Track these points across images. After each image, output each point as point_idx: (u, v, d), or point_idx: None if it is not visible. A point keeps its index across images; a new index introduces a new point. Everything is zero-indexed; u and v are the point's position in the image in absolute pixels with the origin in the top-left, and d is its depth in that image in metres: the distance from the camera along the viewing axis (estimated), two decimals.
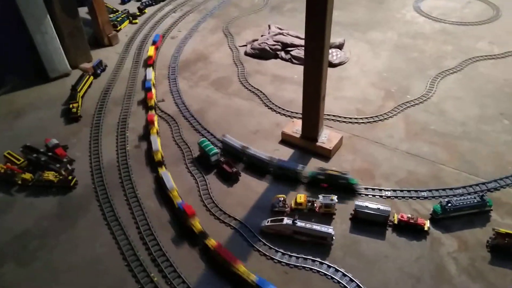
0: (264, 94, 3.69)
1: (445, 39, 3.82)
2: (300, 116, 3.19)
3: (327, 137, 2.87)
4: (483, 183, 2.52)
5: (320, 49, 2.43)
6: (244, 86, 3.82)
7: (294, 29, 4.21)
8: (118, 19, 4.94)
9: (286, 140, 3.04)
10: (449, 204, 2.32)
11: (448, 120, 2.89)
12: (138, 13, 5.04)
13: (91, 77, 3.95)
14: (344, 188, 2.73)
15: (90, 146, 3.46)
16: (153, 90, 4.04)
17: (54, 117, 3.57)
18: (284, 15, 4.54)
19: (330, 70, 3.46)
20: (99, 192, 3.52)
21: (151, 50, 4.36)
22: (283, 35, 4.21)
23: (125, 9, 5.00)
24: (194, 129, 3.35)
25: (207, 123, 3.36)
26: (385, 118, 2.98)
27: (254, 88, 3.82)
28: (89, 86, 3.88)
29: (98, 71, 4.05)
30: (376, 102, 3.19)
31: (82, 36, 4.06)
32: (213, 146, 3.00)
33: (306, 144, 2.93)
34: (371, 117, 3.08)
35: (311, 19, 2.39)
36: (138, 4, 5.19)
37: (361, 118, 3.08)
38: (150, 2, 5.15)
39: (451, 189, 2.54)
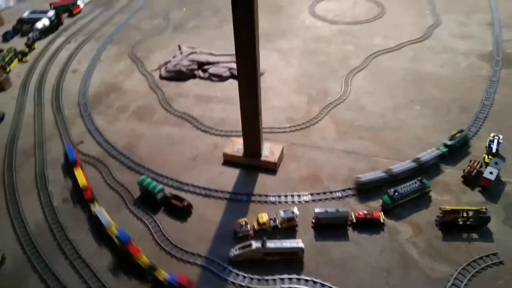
0: (192, 117, 3.57)
1: (345, 40, 4.10)
2: (237, 134, 3.15)
3: (269, 150, 2.88)
4: (415, 168, 2.72)
5: (253, 69, 2.42)
6: (169, 112, 3.65)
7: (204, 46, 4.15)
8: (6, 60, 4.35)
9: (228, 161, 2.99)
10: (396, 193, 2.48)
11: (368, 114, 3.10)
12: (27, 50, 4.49)
13: None
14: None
15: (8, 210, 2.87)
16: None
17: None
18: (189, 33, 4.46)
19: None
20: (34, 262, 2.93)
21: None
22: (197, 53, 4.12)
23: (11, 48, 4.43)
24: (127, 167, 3.10)
25: (140, 158, 3.13)
26: (315, 122, 3.10)
27: (181, 112, 3.67)
28: None
29: None
30: (303, 108, 3.30)
31: None
32: (156, 183, 2.81)
33: (251, 161, 2.91)
34: (302, 123, 3.17)
35: (241, 45, 2.35)
36: (24, 39, 4.63)
37: (293, 126, 3.14)
38: (37, 36, 4.62)
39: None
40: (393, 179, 2.93)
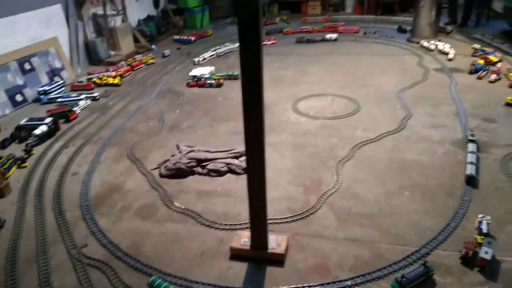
0: (195, 212, 3.67)
1: (329, 133, 4.49)
2: (240, 227, 3.26)
3: (275, 242, 2.98)
4: (416, 251, 2.88)
5: (261, 161, 2.64)
6: (172, 209, 3.75)
7: (199, 144, 4.43)
8: (5, 167, 4.45)
9: (236, 255, 3.04)
10: (404, 279, 2.59)
11: (363, 201, 3.32)
12: (26, 155, 4.63)
13: None
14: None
15: None
16: None
17: None
18: (185, 133, 4.76)
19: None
20: None
21: None
22: (195, 152, 4.39)
23: (9, 154, 4.56)
24: (134, 269, 3.08)
25: (146, 258, 3.14)
26: (315, 211, 3.27)
27: (183, 209, 3.78)
28: None
29: None
30: (300, 198, 3.49)
31: None
32: (167, 283, 2.81)
33: (258, 253, 2.98)
34: (302, 212, 3.33)
35: (251, 145, 2.59)
36: (22, 146, 4.81)
37: (294, 216, 3.30)
38: (36, 141, 4.82)
39: (395, 263, 2.81)
40: None
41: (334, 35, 8.43)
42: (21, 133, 4.84)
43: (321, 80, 6.34)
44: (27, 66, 6.18)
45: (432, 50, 7.44)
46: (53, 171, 4.17)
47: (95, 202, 3.62)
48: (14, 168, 4.19)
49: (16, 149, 4.59)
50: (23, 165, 4.25)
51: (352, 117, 5.01)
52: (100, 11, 7.72)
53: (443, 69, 6.52)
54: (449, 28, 8.55)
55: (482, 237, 2.78)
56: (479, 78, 5.92)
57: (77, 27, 7.30)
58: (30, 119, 5.16)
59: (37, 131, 4.75)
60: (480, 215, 2.98)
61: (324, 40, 8.36)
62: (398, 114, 4.98)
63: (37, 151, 4.58)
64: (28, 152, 4.44)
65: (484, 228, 2.85)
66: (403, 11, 10.70)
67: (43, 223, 3.37)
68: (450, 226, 3.07)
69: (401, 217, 3.20)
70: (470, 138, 4.17)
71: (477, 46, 7.16)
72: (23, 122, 5.11)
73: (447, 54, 7.06)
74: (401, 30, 8.83)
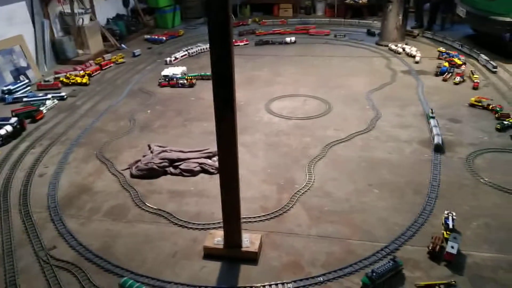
0: (168, 213, 3.63)
1: (302, 132, 4.54)
2: (214, 227, 3.26)
3: (248, 240, 2.99)
4: (386, 247, 2.96)
5: (234, 164, 2.66)
6: (144, 209, 3.69)
7: (171, 144, 4.39)
8: None
9: (209, 254, 3.03)
10: (374, 274, 2.66)
11: (335, 199, 3.38)
12: None
13: None
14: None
15: None
16: None
17: None
18: (157, 132, 4.70)
19: None
20: None
21: None
22: (167, 152, 4.34)
23: None
24: (104, 270, 3.01)
25: (117, 259, 3.07)
26: (288, 210, 3.31)
27: (155, 209, 3.72)
28: None
29: None
30: (274, 197, 3.52)
31: None
32: (139, 283, 2.76)
33: (232, 252, 2.98)
34: (276, 211, 3.36)
35: (223, 142, 2.60)
36: None
37: (268, 215, 3.33)
38: (0, 142, 4.64)
39: (365, 259, 2.88)
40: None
41: (293, 38, 8.58)
42: None
43: (294, 81, 6.42)
44: None
45: (399, 53, 7.67)
46: (19, 172, 4.02)
47: (63, 203, 3.52)
48: None
49: None
50: None
51: (324, 117, 5.09)
52: (67, 9, 7.50)
53: (410, 71, 6.74)
54: (416, 31, 8.82)
55: (448, 232, 2.89)
56: (445, 80, 6.16)
57: (43, 25, 7.08)
58: None
59: (2, 131, 4.58)
60: (446, 211, 3.10)
61: (283, 43, 8.44)
62: (368, 115, 5.10)
63: (2, 151, 4.40)
64: None
65: (450, 223, 2.97)
66: (372, 14, 10.98)
67: (9, 225, 3.25)
68: (417, 222, 3.17)
69: (371, 214, 3.28)
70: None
71: (442, 49, 7.43)
72: None
73: (414, 57, 7.30)
74: (370, 33, 9.06)
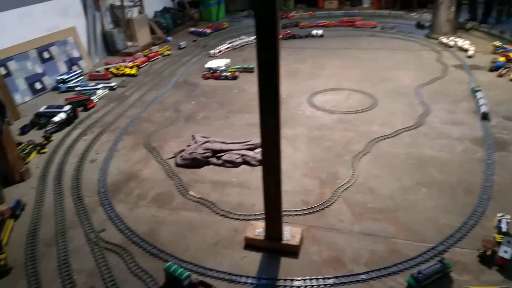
0: (210, 202, 3.69)
1: (345, 127, 4.43)
2: (255, 218, 3.27)
3: (289, 233, 2.98)
4: (433, 248, 2.84)
5: (276, 154, 2.64)
6: (187, 198, 3.77)
7: (214, 135, 4.44)
8: (25, 152, 4.53)
9: (250, 245, 3.05)
10: (420, 274, 2.56)
11: (379, 196, 3.28)
12: (45, 142, 4.70)
13: (12, 221, 3.39)
14: None
15: None
16: None
17: None
18: (200, 124, 4.76)
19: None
20: None
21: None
22: (210, 142, 4.40)
23: (29, 140, 4.63)
24: (150, 254, 3.12)
25: (162, 245, 3.17)
26: (330, 205, 3.25)
27: (198, 198, 3.80)
28: (10, 231, 3.27)
29: (18, 212, 3.52)
30: (315, 191, 3.47)
31: None
32: (183, 269, 2.84)
33: (272, 244, 2.98)
34: (316, 205, 3.31)
35: (266, 137, 2.58)
36: (41, 132, 4.87)
37: (309, 209, 3.29)
38: (55, 128, 4.88)
39: (411, 259, 2.78)
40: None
41: (320, 31, 8.61)
42: (40, 120, 4.92)
43: (338, 74, 6.30)
44: (46, 55, 6.26)
45: (451, 47, 7.32)
46: (72, 158, 4.23)
47: (112, 188, 3.67)
48: (33, 154, 4.27)
49: (36, 136, 4.67)
50: (43, 151, 4.32)
51: (369, 112, 4.95)
52: (117, 2, 7.76)
53: (462, 65, 6.42)
54: (469, 24, 8.36)
55: (502, 236, 2.74)
56: (500, 75, 5.80)
57: (94, 18, 7.36)
58: (49, 107, 5.23)
59: (56, 118, 4.82)
60: (499, 214, 2.93)
61: (309, 35, 8.56)
62: (416, 110, 4.91)
63: (56, 138, 4.65)
64: (47, 138, 4.51)
65: (504, 227, 2.81)
66: (422, 6, 10.53)
67: (62, 208, 3.43)
68: (468, 224, 3.03)
69: (418, 213, 3.17)
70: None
71: (498, 43, 7.00)
72: (42, 109, 5.18)
73: (466, 51, 6.94)
74: (419, 26, 8.70)
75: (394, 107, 4.98)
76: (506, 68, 5.92)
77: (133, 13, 7.84)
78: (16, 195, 3.38)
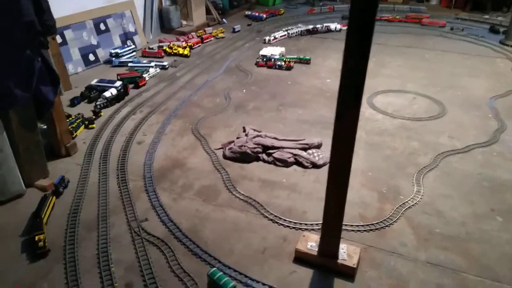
0: (258, 203, 3.42)
1: (408, 135, 3.99)
2: (305, 227, 2.96)
3: (346, 252, 2.65)
4: None
5: (347, 164, 2.31)
6: (234, 194, 3.51)
7: (264, 128, 4.13)
8: (73, 125, 4.44)
9: (301, 258, 2.76)
10: None
11: (448, 221, 2.86)
12: (94, 117, 4.59)
13: (54, 198, 3.28)
14: None
15: None
16: None
17: (12, 255, 2.75)
18: (250, 115, 4.47)
19: (316, 172, 3.38)
20: None
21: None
22: (262, 137, 4.11)
23: (79, 114, 4.52)
24: (192, 254, 2.90)
25: (205, 244, 2.94)
26: (391, 224, 2.88)
27: (246, 196, 3.54)
28: (51, 209, 3.17)
29: (61, 189, 3.41)
30: (374, 205, 3.10)
31: (40, 151, 3.43)
32: (228, 278, 2.60)
33: (326, 262, 2.66)
34: (376, 223, 2.94)
35: (339, 147, 2.26)
36: (90, 106, 4.76)
37: (367, 225, 2.93)
38: (105, 103, 4.75)
39: None
40: None
41: (338, 26, 7.80)
42: (91, 93, 4.82)
43: (402, 75, 5.81)
44: (102, 27, 6.17)
45: None
46: (119, 137, 4.09)
47: (157, 175, 3.49)
48: (81, 128, 4.16)
49: (85, 109, 4.57)
50: (91, 126, 4.21)
51: (436, 121, 4.48)
52: None
53: None
54: None
55: None
56: None
57: None
58: (101, 81, 5.13)
59: (107, 94, 4.70)
60: None
61: (329, 30, 7.99)
62: (490, 125, 4.39)
63: (105, 113, 4.53)
64: (97, 114, 4.39)
65: None
66: (496, 9, 9.63)
67: (106, 190, 3.29)
68: None
69: (492, 246, 2.75)
70: None
71: None
72: (93, 82, 5.09)
73: None
74: (493, 31, 7.93)
75: (465, 118, 4.48)
76: None
77: None
78: (60, 171, 3.25)
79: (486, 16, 9.11)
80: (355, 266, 2.54)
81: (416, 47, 7.16)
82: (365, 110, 4.84)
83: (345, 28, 8.68)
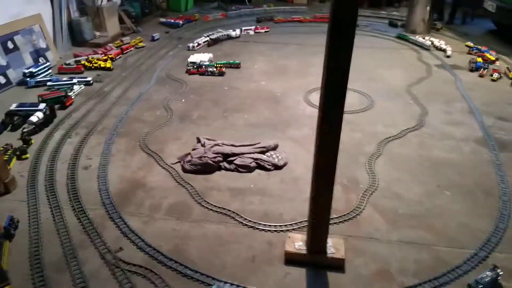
0: (234, 212, 3.42)
1: (351, 127, 4.33)
2: (286, 229, 3.07)
3: (332, 246, 2.81)
4: (475, 254, 2.80)
5: (332, 164, 2.46)
6: (207, 208, 3.45)
7: (216, 137, 4.15)
8: (5, 158, 3.94)
9: (291, 260, 2.84)
10: (480, 285, 2.49)
11: (407, 201, 3.20)
12: (25, 146, 4.13)
13: (7, 242, 2.84)
14: None
15: None
16: None
17: None
18: (198, 124, 4.43)
19: (279, 173, 3.54)
20: None
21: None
22: (219, 145, 4.11)
23: (7, 144, 4.04)
24: (183, 276, 2.79)
25: (194, 264, 2.85)
26: (360, 212, 3.12)
27: (219, 207, 3.50)
28: (8, 255, 2.72)
29: (12, 231, 2.96)
30: (341, 197, 3.31)
31: None
32: None
33: (317, 258, 2.79)
34: (347, 213, 3.17)
35: (324, 148, 2.39)
36: (15, 134, 4.28)
37: (340, 217, 3.14)
38: (33, 129, 4.31)
39: (458, 267, 2.71)
40: None
41: (238, 32, 8.00)
42: (14, 120, 4.32)
43: None
44: (10, 45, 5.56)
45: (428, 46, 7.48)
46: (61, 164, 3.74)
47: (118, 199, 3.28)
48: (14, 160, 3.72)
49: (10, 138, 4.08)
50: (24, 156, 3.78)
51: (369, 112, 4.90)
52: None
53: (443, 65, 6.57)
54: (439, 24, 8.64)
55: None
56: (481, 76, 6.01)
57: (61, 4, 6.65)
58: (21, 105, 4.63)
59: (33, 118, 4.26)
60: None
61: (229, 37, 7.88)
62: (414, 110, 4.93)
63: (35, 140, 4.10)
64: (27, 142, 3.95)
65: None
66: (389, 5, 10.76)
67: (64, 224, 3.00)
68: (499, 227, 3.03)
69: (450, 218, 3.13)
70: None
71: (471, 43, 7.28)
72: (13, 107, 4.57)
73: (444, 50, 7.12)
74: (392, 25, 8.85)
75: (392, 106, 4.97)
76: (484, 68, 6.13)
77: (103, 0, 7.19)
78: (4, 210, 2.89)
79: (383, 12, 10.11)
80: (343, 257, 2.68)
81: None
82: (305, 108, 5.08)
83: (253, 32, 8.94)
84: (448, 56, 6.95)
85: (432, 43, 7.52)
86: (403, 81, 5.83)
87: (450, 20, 9.16)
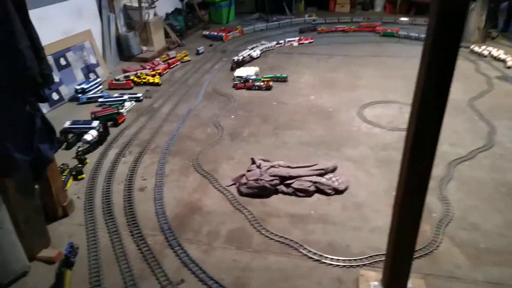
0: (296, 242, 3.20)
1: None
2: (357, 263, 2.79)
3: (412, 286, 2.52)
4: None
5: (425, 185, 2.19)
6: (268, 236, 3.26)
7: (268, 156, 3.94)
8: (62, 179, 3.92)
9: None
10: None
11: (487, 234, 2.84)
12: (80, 165, 4.10)
13: (68, 271, 2.78)
14: None
15: None
16: None
17: None
18: (249, 143, 4.24)
19: (340, 198, 3.25)
20: None
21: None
22: (275, 167, 3.91)
23: (63, 164, 4.02)
24: None
25: None
26: (437, 246, 2.79)
27: (280, 236, 3.31)
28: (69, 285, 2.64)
29: (72, 259, 2.90)
30: None
31: (41, 218, 2.92)
32: None
33: None
34: (423, 247, 2.86)
35: (415, 178, 2.14)
36: (70, 153, 4.26)
37: (417, 251, 2.83)
38: (88, 148, 4.29)
39: None
40: None
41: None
42: (68, 138, 4.31)
43: (378, 85, 5.90)
44: (62, 62, 5.64)
45: (485, 56, 7.01)
46: (116, 185, 3.67)
47: (176, 224, 3.14)
48: (70, 181, 3.68)
49: (65, 157, 4.06)
50: (80, 176, 3.73)
51: None
52: (132, 2, 7.15)
53: (505, 77, 6.10)
54: (495, 32, 8.11)
55: None
56: None
57: (109, 20, 6.72)
58: (75, 122, 4.63)
59: (88, 137, 4.24)
60: None
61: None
62: (480, 127, 4.55)
63: (90, 159, 4.06)
64: (82, 161, 3.91)
65: None
66: None
67: (124, 251, 2.88)
68: None
69: None
70: None
71: None
72: (67, 125, 4.58)
73: (503, 61, 6.63)
74: None
75: (455, 123, 4.61)
76: None
77: (149, 15, 7.23)
78: (62, 236, 2.80)
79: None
80: None
81: (380, 56, 7.36)
82: (359, 124, 4.81)
83: (296, 43, 8.71)
84: (509, 67, 6.47)
85: (490, 53, 7.03)
86: (463, 95, 5.46)
87: (504, 27, 8.60)
